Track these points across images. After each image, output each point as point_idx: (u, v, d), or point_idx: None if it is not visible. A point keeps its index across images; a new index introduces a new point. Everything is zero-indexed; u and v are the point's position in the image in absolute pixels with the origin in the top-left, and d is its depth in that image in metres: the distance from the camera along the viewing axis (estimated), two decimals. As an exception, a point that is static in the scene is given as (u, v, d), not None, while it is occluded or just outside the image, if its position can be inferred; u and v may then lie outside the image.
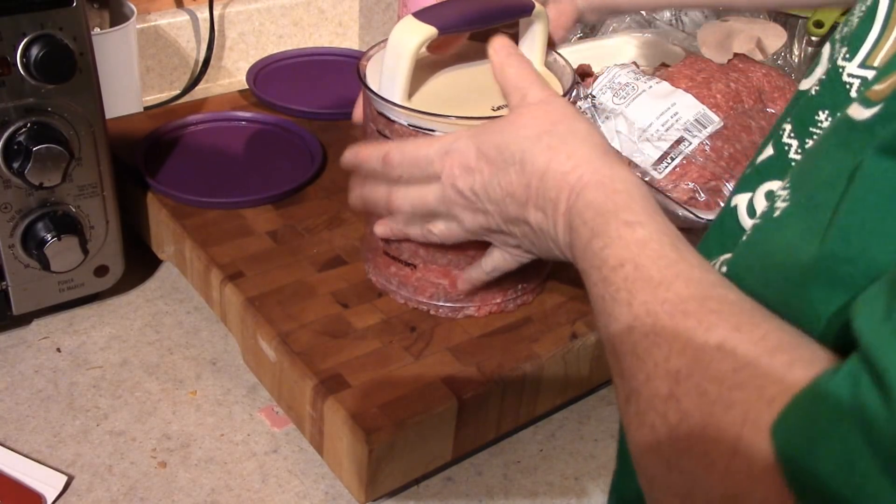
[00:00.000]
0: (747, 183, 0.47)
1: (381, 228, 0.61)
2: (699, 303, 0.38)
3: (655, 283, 0.40)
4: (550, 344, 0.62)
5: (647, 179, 0.73)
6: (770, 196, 0.45)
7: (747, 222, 0.46)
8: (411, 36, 0.57)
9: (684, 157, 0.74)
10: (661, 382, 0.36)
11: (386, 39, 0.60)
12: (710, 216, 0.69)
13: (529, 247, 0.55)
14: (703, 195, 0.71)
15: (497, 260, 0.59)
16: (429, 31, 0.57)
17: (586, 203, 0.48)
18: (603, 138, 0.53)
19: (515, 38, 0.66)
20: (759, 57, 0.86)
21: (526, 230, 0.53)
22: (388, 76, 0.58)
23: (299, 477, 0.62)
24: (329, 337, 0.61)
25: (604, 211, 0.46)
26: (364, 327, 0.62)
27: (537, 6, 0.62)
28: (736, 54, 0.84)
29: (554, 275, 0.69)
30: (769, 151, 0.46)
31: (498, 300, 0.64)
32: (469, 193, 0.54)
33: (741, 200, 0.48)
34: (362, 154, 0.59)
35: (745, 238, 0.44)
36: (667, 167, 0.74)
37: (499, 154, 0.53)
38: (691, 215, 0.69)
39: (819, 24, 1.03)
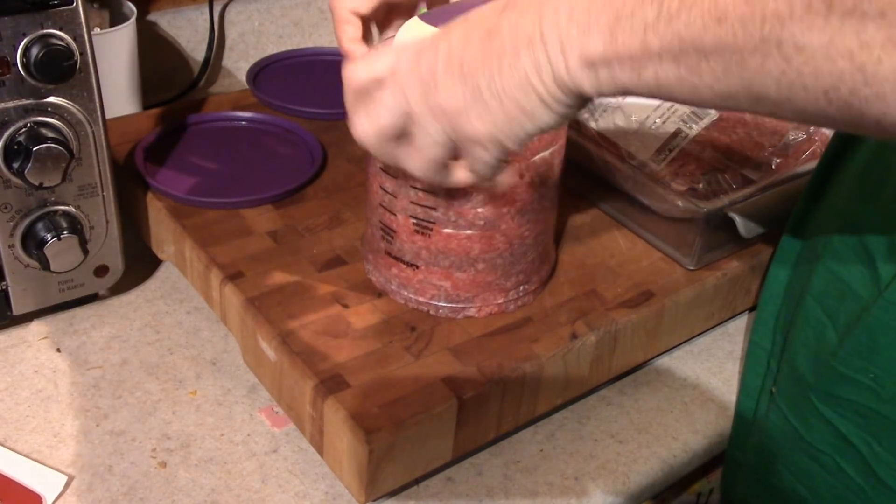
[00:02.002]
0: None
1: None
2: None
3: None
4: (550, 344, 0.62)
5: (646, 171, 0.73)
6: None
7: None
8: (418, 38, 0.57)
9: (682, 149, 0.74)
10: None
11: (389, 37, 0.60)
12: (710, 206, 0.69)
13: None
14: (701, 185, 0.72)
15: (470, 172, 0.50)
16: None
17: None
18: None
19: None
20: None
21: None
22: None
23: (299, 477, 0.62)
24: (329, 337, 0.61)
25: None
26: (364, 327, 0.62)
27: None
28: None
29: (554, 275, 0.69)
30: None
31: (499, 301, 0.65)
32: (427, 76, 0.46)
33: None
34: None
35: None
36: (665, 158, 0.74)
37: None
38: (691, 205, 0.69)
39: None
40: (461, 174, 0.51)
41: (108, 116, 0.67)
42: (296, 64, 0.98)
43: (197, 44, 1.07)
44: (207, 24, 1.05)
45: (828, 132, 0.75)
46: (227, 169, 0.79)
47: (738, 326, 0.79)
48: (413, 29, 0.57)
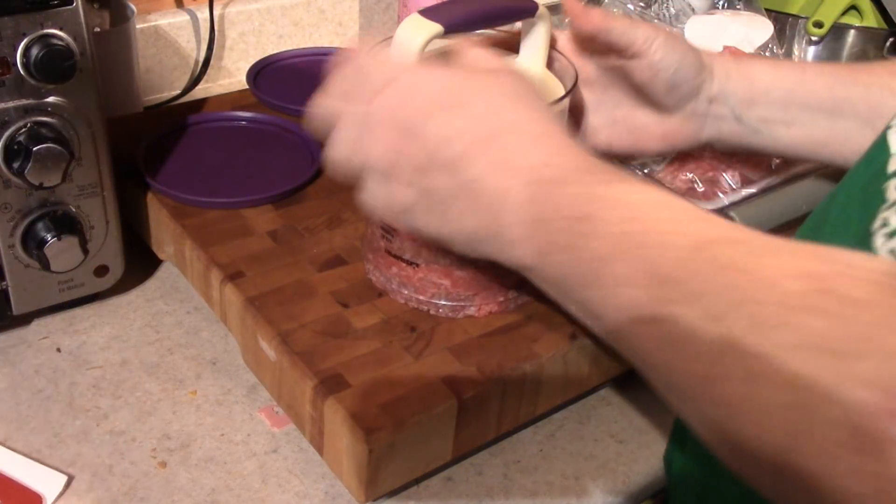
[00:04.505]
0: None
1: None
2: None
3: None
4: (550, 344, 0.62)
5: (646, 172, 0.73)
6: None
7: None
8: (417, 33, 0.57)
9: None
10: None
11: (388, 38, 0.60)
12: (710, 206, 0.69)
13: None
14: (701, 186, 0.72)
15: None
16: (435, 28, 0.57)
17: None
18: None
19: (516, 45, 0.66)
20: (748, 49, 0.86)
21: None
22: None
23: (299, 477, 0.62)
24: (329, 337, 0.61)
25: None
26: (364, 327, 0.62)
27: (541, 8, 0.62)
28: (725, 47, 0.84)
29: (554, 275, 0.69)
30: None
31: (499, 299, 0.65)
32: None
33: None
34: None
35: None
36: (665, 158, 0.74)
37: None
38: None
39: (819, 24, 1.03)
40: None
41: (108, 116, 0.67)
42: (296, 64, 0.98)
43: (197, 44, 1.07)
44: (207, 24, 1.05)
45: None
46: (227, 169, 0.79)
47: (739, 326, 0.79)
48: (413, 24, 0.57)
